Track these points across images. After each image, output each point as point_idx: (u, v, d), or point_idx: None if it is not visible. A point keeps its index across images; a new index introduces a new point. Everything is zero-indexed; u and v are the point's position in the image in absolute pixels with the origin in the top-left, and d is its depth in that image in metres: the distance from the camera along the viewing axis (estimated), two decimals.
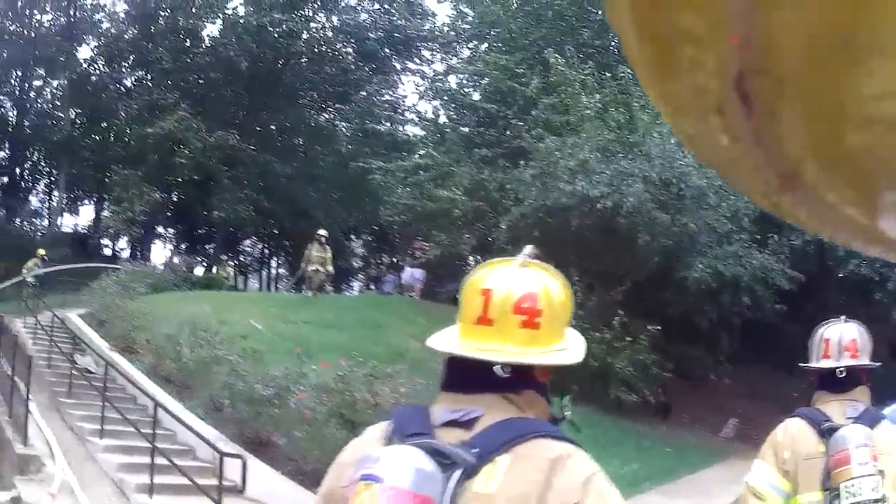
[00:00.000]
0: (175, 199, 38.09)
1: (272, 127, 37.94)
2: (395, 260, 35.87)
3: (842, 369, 3.85)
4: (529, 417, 2.08)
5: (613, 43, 28.81)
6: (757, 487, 3.87)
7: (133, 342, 17.04)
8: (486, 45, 29.09)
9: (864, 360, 3.95)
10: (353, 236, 39.25)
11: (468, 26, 32.12)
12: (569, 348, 2.15)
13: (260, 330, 17.69)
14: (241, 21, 34.82)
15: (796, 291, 22.28)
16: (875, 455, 3.52)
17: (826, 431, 3.68)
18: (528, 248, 2.28)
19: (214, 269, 33.82)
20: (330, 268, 22.75)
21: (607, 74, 23.03)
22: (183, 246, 39.68)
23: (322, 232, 22.90)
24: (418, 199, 25.30)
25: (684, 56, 0.45)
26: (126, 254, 37.31)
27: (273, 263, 43.25)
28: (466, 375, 2.11)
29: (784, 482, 3.82)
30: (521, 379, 2.10)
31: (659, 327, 20.07)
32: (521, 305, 2.09)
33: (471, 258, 26.61)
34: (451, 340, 2.13)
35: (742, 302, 21.48)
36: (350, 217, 35.81)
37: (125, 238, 36.91)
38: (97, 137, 38.10)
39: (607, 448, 16.00)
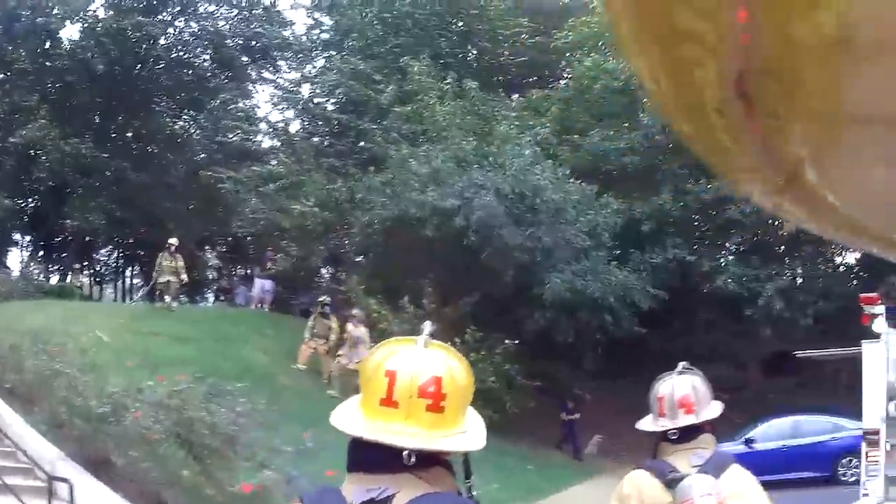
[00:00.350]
0: (31, 206, 36.72)
1: (128, 134, 37.12)
2: (247, 272, 35.58)
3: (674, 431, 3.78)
4: (442, 492, 2.12)
5: (472, 54, 29.50)
6: None
7: None
8: (342, 53, 29.07)
9: (702, 415, 3.83)
10: (207, 247, 38.71)
11: (325, 35, 32.26)
12: (470, 430, 2.19)
13: (105, 342, 17.28)
14: (101, 24, 34.06)
15: (660, 309, 22.46)
16: (721, 502, 3.48)
17: (671, 482, 3.62)
18: (428, 327, 2.28)
19: (68, 279, 32.95)
20: (183, 277, 22.43)
21: (469, 84, 23.24)
22: (38, 254, 38.25)
23: (172, 241, 22.57)
24: (269, 211, 25.04)
25: (685, 56, 0.46)
26: None
27: (128, 273, 42.16)
28: (374, 456, 2.11)
29: None
30: (428, 458, 2.12)
31: (517, 342, 20.09)
32: (426, 389, 2.10)
33: (323, 270, 26.69)
34: (357, 422, 2.14)
35: (604, 319, 21.45)
36: (204, 227, 35.33)
37: None
38: None
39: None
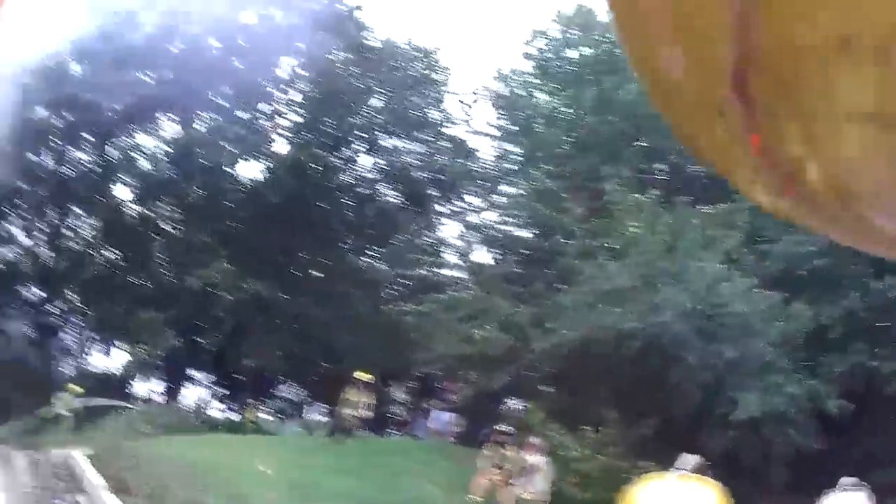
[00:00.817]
0: (208, 344, 37.41)
1: (310, 271, 37.58)
2: (427, 405, 34.70)
3: None
4: None
5: (659, 169, 28.65)
6: None
7: (127, 483, 16.14)
8: (529, 178, 28.84)
9: None
10: (391, 381, 38.08)
11: (513, 165, 32.11)
12: None
13: (267, 474, 16.68)
14: (280, 160, 35.13)
15: (842, 418, 21.22)
16: None
17: None
18: (692, 459, 1.64)
19: (243, 413, 32.98)
20: (368, 412, 22.11)
21: (656, 198, 22.64)
22: (213, 389, 38.77)
23: (360, 375, 22.19)
24: (452, 343, 24.40)
25: (685, 56, 0.46)
26: (156, 394, 36.62)
27: (307, 407, 41.92)
28: None
29: None
30: None
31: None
32: None
33: (507, 400, 25.64)
34: None
35: (789, 434, 20.44)
36: (386, 361, 34.67)
37: (155, 379, 36.34)
38: (131, 278, 37.75)
39: None
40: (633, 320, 19.57)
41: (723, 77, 0.45)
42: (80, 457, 18.52)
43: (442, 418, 26.22)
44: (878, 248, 0.54)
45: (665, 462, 17.49)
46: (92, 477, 16.84)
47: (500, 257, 28.45)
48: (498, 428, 20.07)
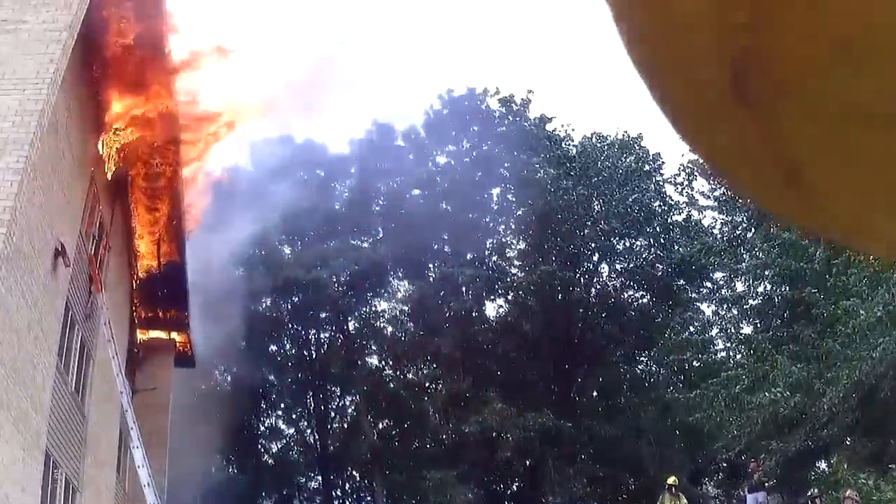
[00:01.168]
0: (502, 490, 36.63)
1: (586, 391, 36.54)
2: (740, 492, 31.96)
3: None
4: None
5: None
6: None
7: None
8: (765, 237, 27.13)
9: None
10: (702, 479, 35.53)
11: (747, 227, 30.32)
12: None
13: None
14: (525, 289, 34.99)
15: None
16: None
17: None
18: None
19: None
20: None
21: None
22: None
23: (671, 480, 21.26)
24: (741, 418, 23.52)
25: (686, 56, 0.46)
26: None
27: None
28: None
29: None
30: None
31: None
32: None
33: (822, 462, 23.45)
34: None
35: None
36: (687, 459, 32.63)
37: None
38: (406, 442, 37.82)
39: None
40: None
41: (723, 77, 0.45)
42: None
43: (758, 499, 23.97)
44: (878, 248, 0.53)
45: None
46: None
47: (761, 321, 26.91)
48: (811, 494, 18.95)
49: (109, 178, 17.83)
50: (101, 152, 17.02)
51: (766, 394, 22.46)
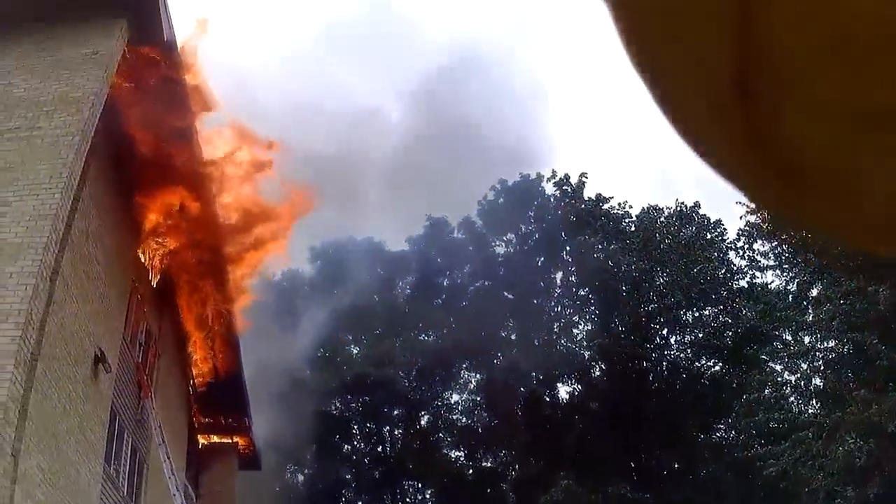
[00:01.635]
0: None
1: (668, 464, 35.52)
2: None
3: None
4: None
5: None
6: None
7: None
8: (829, 287, 26.74)
9: None
10: None
11: (809, 281, 29.80)
12: None
13: None
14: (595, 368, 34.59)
15: None
16: None
17: None
18: None
19: None
20: None
21: None
22: None
23: None
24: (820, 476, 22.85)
25: (686, 57, 0.46)
26: None
27: None
28: None
29: None
30: None
31: None
32: None
33: None
34: None
35: None
36: None
37: None
38: None
39: None
40: None
41: (723, 77, 0.45)
42: None
43: None
44: (879, 248, 0.53)
45: None
46: None
47: (832, 372, 26.19)
48: None
49: (154, 286, 18.11)
50: (142, 259, 17.33)
51: (841, 447, 21.90)
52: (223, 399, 22.83)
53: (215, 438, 24.17)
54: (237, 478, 24.45)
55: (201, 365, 22.00)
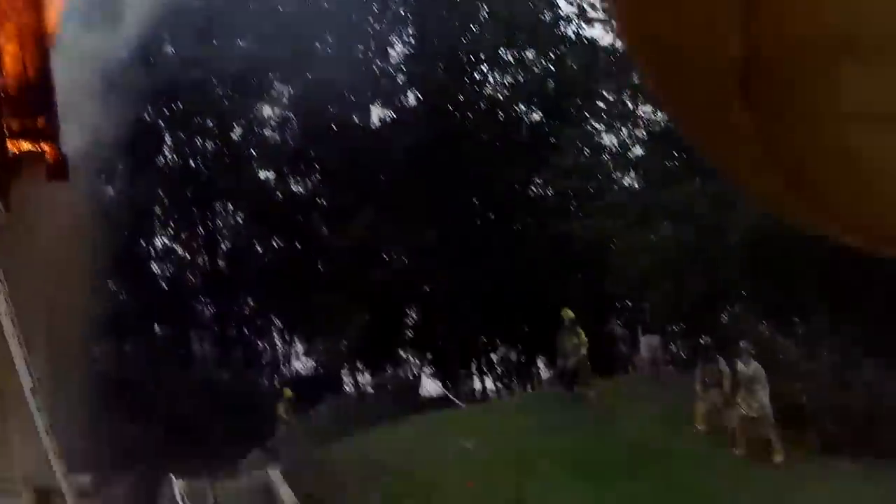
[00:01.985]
0: (397, 318, 35.84)
1: (481, 213, 35.73)
2: (633, 333, 31.35)
3: None
4: None
5: None
6: None
7: (319, 497, 15.23)
8: None
9: None
10: (610, 319, 34.71)
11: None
12: None
13: (468, 450, 15.20)
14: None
15: None
16: None
17: None
18: None
19: (452, 386, 31.58)
20: (583, 351, 19.17)
21: None
22: (418, 366, 36.80)
23: (567, 315, 19.53)
24: (634, 255, 22.19)
25: (690, 58, 0.47)
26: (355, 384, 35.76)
27: (526, 367, 38.69)
28: None
29: None
30: None
31: None
32: None
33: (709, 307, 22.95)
34: None
35: None
36: (586, 294, 31.45)
37: (355, 367, 35.51)
38: (302, 264, 35.82)
39: None
40: None
41: (727, 76, 0.45)
42: (276, 476, 17.73)
43: (651, 344, 23.88)
44: (881, 246, 0.53)
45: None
46: (286, 496, 16.12)
47: (654, 145, 25.65)
48: (703, 341, 18.38)
49: None
50: None
51: (653, 235, 21.32)
52: (32, 101, 20.52)
53: (26, 146, 21.89)
54: (45, 188, 22.47)
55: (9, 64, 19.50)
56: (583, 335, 19.54)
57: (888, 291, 16.82)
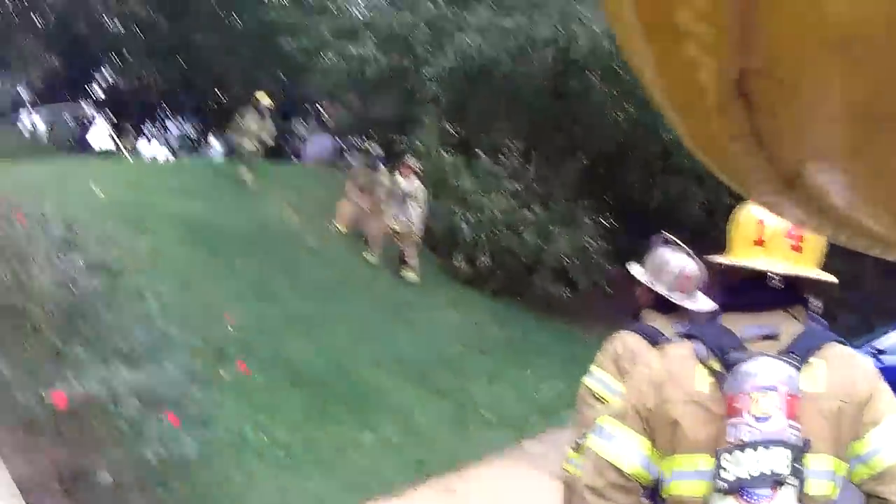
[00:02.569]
0: (80, 68, 33.08)
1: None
2: (307, 130, 31.00)
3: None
4: (816, 327, 2.43)
5: None
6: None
7: None
8: None
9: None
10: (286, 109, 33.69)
11: None
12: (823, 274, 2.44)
13: (97, 195, 14.05)
14: None
15: None
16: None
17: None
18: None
19: (120, 141, 30.02)
20: (266, 137, 17.80)
21: None
22: (89, 115, 34.84)
23: (263, 98, 17.70)
24: (332, 62, 20.70)
25: (685, 55, 0.45)
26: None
27: (205, 141, 37.59)
28: (753, 296, 2.45)
29: None
30: (793, 295, 2.46)
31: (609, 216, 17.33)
32: (791, 232, 2.44)
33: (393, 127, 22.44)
34: (735, 259, 2.49)
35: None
36: (277, 88, 30.02)
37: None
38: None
39: (525, 357, 12.64)
40: (548, 28, 16.75)
41: (724, 76, 0.44)
42: None
43: (322, 142, 23.37)
44: (878, 248, 0.53)
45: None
46: None
47: None
48: (366, 146, 17.60)
49: None
50: None
51: (364, 49, 19.76)
52: None
53: None
54: None
55: None
56: (270, 123, 18.03)
57: None
